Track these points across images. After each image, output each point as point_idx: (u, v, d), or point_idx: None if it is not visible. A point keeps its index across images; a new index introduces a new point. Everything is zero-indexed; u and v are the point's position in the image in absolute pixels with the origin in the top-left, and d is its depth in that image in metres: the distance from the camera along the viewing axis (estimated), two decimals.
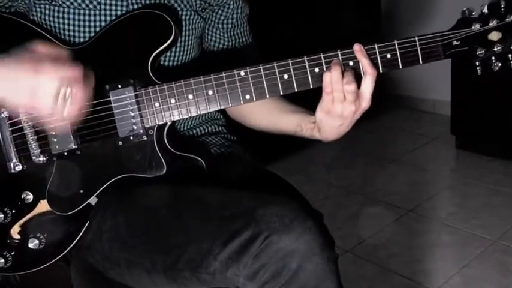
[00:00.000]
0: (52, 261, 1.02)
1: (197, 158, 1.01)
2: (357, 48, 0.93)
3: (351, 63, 0.94)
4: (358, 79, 0.94)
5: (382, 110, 3.34)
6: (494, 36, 0.91)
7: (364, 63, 0.93)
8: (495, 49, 0.91)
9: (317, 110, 0.98)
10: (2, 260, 1.01)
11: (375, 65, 0.94)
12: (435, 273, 1.92)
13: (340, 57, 0.94)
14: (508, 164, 2.63)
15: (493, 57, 0.92)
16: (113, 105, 0.97)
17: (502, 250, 2.01)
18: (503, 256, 1.98)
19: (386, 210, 2.34)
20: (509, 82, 2.46)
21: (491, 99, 2.63)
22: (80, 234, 1.01)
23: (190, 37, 1.09)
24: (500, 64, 0.92)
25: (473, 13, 0.93)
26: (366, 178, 2.68)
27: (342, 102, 0.94)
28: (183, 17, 1.07)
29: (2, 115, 0.99)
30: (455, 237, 2.13)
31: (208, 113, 1.18)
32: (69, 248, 1.01)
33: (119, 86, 0.97)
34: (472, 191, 2.46)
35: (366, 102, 0.95)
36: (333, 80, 0.93)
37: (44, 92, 0.85)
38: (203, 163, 1.02)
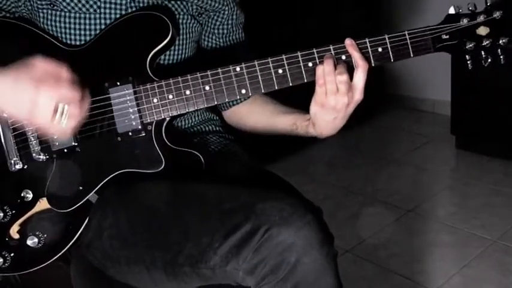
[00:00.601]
0: (51, 260, 1.02)
1: (195, 152, 1.02)
2: (349, 42, 0.96)
3: (343, 57, 0.96)
4: (350, 72, 0.95)
5: (382, 110, 3.35)
6: (482, 31, 0.93)
7: (356, 57, 0.95)
8: (484, 43, 0.94)
9: (311, 104, 0.99)
10: (1, 260, 1.01)
11: (366, 58, 0.95)
12: (435, 273, 1.92)
13: (332, 52, 0.96)
14: (508, 164, 2.63)
15: (483, 52, 0.94)
16: (112, 101, 0.98)
17: (502, 250, 2.01)
18: (503, 256, 1.98)
19: (386, 210, 2.34)
20: (509, 82, 2.47)
21: (491, 99, 2.63)
22: (79, 232, 1.01)
23: (188, 41, 1.11)
24: (490, 59, 0.94)
25: (461, 10, 0.96)
26: (366, 178, 2.68)
27: (335, 94, 0.95)
28: (180, 21, 1.09)
29: (4, 114, 1.00)
30: (455, 237, 2.12)
31: (205, 113, 1.20)
32: (69, 245, 1.01)
33: (118, 84, 0.98)
34: (472, 191, 2.46)
35: (358, 95, 0.96)
36: (326, 71, 0.94)
37: (42, 108, 0.87)
38: (201, 158, 1.02)
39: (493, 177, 2.54)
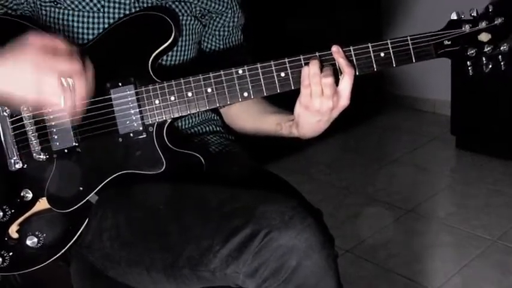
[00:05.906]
0: (50, 260, 1.02)
1: (196, 154, 1.02)
2: (335, 49, 0.95)
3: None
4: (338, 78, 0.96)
5: (382, 110, 3.35)
6: (484, 37, 0.94)
7: (341, 63, 0.95)
8: (485, 50, 0.94)
9: (296, 105, 0.99)
10: (0, 259, 1.01)
11: (369, 63, 0.95)
12: (435, 273, 1.92)
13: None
14: (508, 164, 2.63)
15: (484, 58, 0.95)
16: (113, 102, 0.98)
17: (502, 250, 2.02)
18: (503, 256, 1.98)
19: (386, 210, 2.34)
20: (509, 82, 2.47)
21: (491, 99, 2.63)
22: (79, 233, 1.01)
23: (190, 42, 1.12)
24: (490, 65, 0.95)
25: (463, 16, 0.96)
26: (366, 178, 2.68)
27: (320, 96, 0.94)
28: (184, 22, 1.09)
29: (4, 113, 1.00)
30: (455, 237, 2.13)
31: (205, 113, 1.20)
32: (68, 246, 1.01)
33: (120, 84, 0.98)
34: (472, 191, 2.46)
35: (344, 100, 0.96)
36: (311, 73, 0.94)
37: (49, 86, 0.86)
38: (202, 160, 1.02)
39: (493, 177, 2.54)
